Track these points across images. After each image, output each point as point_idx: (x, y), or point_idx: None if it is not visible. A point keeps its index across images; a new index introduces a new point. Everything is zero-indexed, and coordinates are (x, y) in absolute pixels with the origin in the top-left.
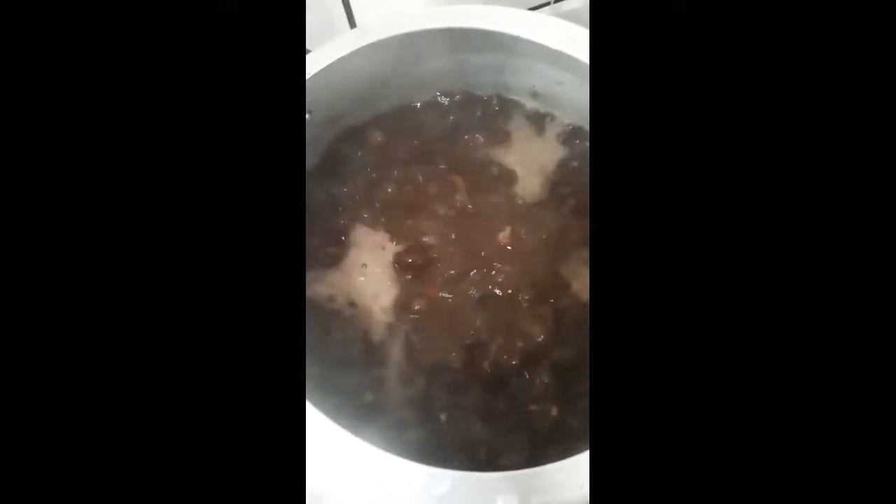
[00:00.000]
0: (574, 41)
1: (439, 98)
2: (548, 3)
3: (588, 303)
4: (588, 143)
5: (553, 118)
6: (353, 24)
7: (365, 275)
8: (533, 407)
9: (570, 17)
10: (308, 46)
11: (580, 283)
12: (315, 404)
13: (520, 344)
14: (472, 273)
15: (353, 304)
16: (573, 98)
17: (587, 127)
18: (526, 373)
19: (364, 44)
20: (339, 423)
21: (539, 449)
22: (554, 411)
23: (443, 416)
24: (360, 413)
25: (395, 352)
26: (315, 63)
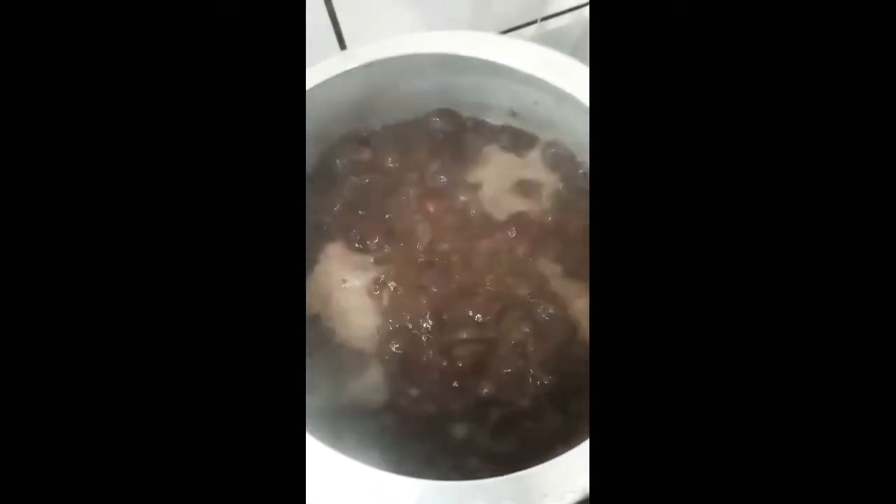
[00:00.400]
0: (547, 64)
1: (422, 117)
2: (535, 22)
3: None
4: (563, 156)
5: (531, 137)
6: (342, 45)
7: (344, 291)
8: (502, 420)
9: (556, 34)
10: None
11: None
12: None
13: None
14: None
15: (329, 318)
16: (551, 118)
17: (566, 143)
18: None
19: (352, 66)
20: (315, 435)
21: (507, 459)
22: (528, 423)
23: (413, 428)
24: (336, 424)
25: (372, 364)
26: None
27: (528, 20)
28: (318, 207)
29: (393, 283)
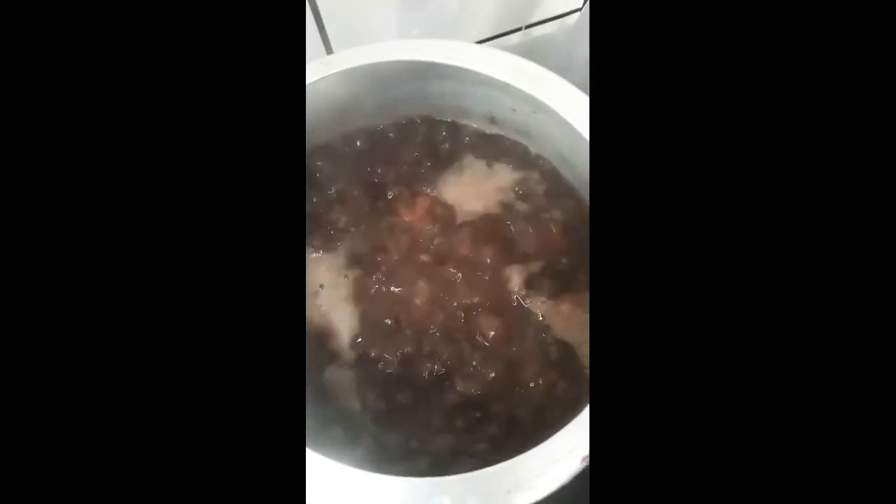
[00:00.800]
0: (519, 72)
1: (403, 122)
2: (520, 29)
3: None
4: (542, 164)
5: (509, 141)
6: (329, 50)
7: (321, 297)
8: (473, 416)
9: (542, 41)
10: None
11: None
12: None
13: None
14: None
15: (309, 321)
16: (527, 124)
17: (543, 149)
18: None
19: (336, 70)
20: None
21: (474, 457)
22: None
23: (387, 429)
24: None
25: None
26: None
27: (513, 27)
28: None
29: (371, 287)
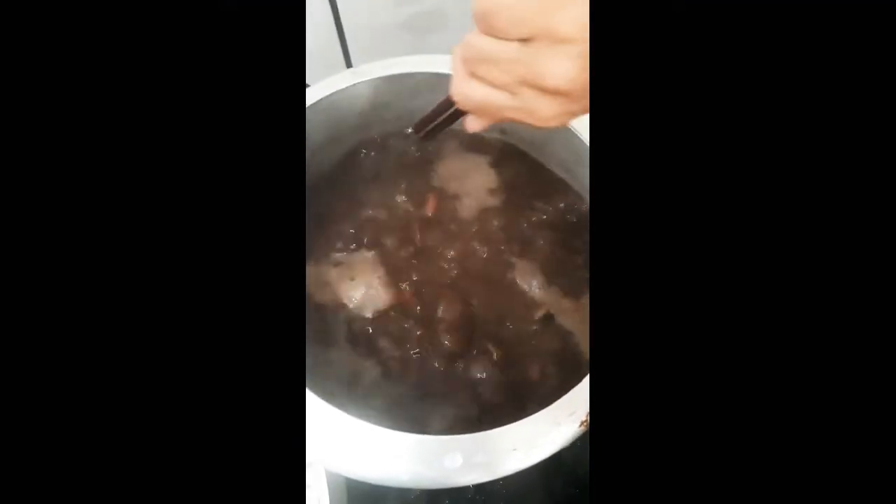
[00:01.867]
0: None
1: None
2: None
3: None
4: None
5: (514, 150)
6: (349, 64)
7: (354, 288)
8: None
9: None
10: (308, 82)
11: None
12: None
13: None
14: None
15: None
16: (534, 134)
17: (547, 159)
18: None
19: (359, 80)
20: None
21: (484, 416)
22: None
23: (404, 389)
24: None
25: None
26: (314, 95)
27: None
28: (325, 202)
29: (382, 268)
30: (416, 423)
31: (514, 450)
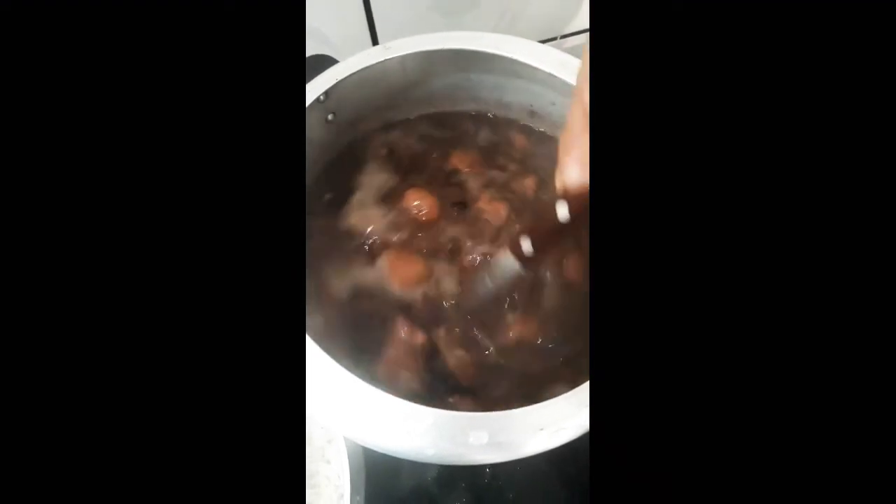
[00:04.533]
0: (565, 66)
1: (446, 110)
2: (555, 38)
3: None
4: None
5: (544, 134)
6: (375, 41)
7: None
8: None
9: (574, 51)
10: (337, 58)
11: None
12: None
13: None
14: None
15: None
16: (564, 117)
17: None
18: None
19: (385, 58)
20: (342, 364)
21: (510, 394)
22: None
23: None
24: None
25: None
26: (341, 72)
27: (550, 37)
28: (340, 188)
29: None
30: None
31: (541, 429)
